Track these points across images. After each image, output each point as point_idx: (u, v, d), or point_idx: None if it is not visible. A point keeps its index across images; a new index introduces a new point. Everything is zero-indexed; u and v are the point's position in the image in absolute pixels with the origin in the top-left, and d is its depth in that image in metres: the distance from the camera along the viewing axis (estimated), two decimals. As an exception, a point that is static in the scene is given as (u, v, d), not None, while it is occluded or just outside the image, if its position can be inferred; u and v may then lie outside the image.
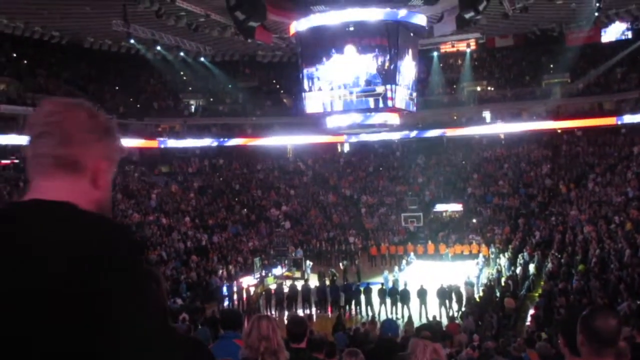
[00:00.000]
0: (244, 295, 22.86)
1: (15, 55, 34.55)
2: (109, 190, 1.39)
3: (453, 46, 37.85)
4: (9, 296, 1.08)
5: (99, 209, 1.29)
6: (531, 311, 18.73)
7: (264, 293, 22.63)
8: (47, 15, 28.33)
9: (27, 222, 1.16)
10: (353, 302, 21.45)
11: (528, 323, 17.59)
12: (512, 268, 23.90)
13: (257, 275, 25.92)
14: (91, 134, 1.32)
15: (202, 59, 37.67)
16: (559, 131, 36.89)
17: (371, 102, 27.42)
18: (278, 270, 27.92)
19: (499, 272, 24.01)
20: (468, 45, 38.00)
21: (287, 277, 26.47)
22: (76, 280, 1.09)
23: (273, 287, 23.58)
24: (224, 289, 23.37)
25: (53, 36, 31.88)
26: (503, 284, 21.93)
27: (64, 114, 1.31)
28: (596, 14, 29.26)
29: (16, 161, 30.48)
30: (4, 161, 29.82)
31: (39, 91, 33.62)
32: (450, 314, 20.09)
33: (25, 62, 35.14)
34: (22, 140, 28.69)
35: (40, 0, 26.15)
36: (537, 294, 20.04)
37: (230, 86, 40.72)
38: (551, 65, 38.16)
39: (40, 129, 1.28)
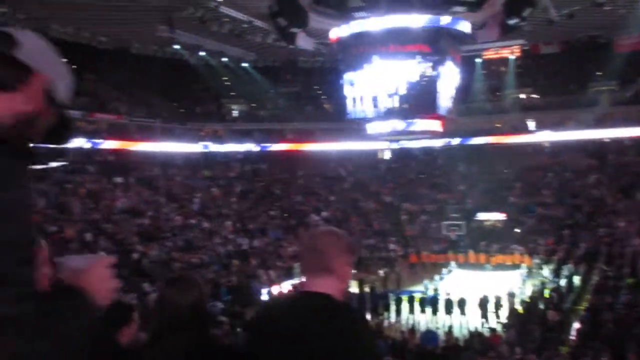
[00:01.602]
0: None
1: (65, 60, 35.47)
2: (348, 282, 2.16)
3: (496, 53, 37.35)
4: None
5: (342, 295, 2.05)
6: (576, 325, 18.26)
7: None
8: (96, 22, 29.08)
9: (307, 304, 2.00)
10: (393, 310, 21.29)
11: (572, 337, 17.15)
12: (556, 280, 23.37)
13: (298, 280, 25.94)
14: (339, 250, 2.08)
15: (244, 64, 38.09)
16: (606, 140, 35.94)
17: (412, 109, 27.26)
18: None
19: (543, 283, 23.50)
20: (512, 52, 37.42)
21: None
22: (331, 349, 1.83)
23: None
24: (264, 293, 23.47)
25: (101, 42, 32.68)
26: (547, 295, 21.45)
27: (322, 238, 2.13)
28: (645, 20, 28.48)
29: (65, 164, 31.25)
30: (53, 164, 30.58)
31: (86, 95, 34.51)
32: (492, 325, 19.74)
33: (74, 66, 36.06)
34: (70, 143, 29.36)
35: (90, 7, 26.85)
36: (582, 308, 19.52)
37: (271, 91, 41.04)
38: (598, 73, 37.25)
39: (309, 247, 2.10)
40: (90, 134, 33.11)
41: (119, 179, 31.95)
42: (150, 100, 38.67)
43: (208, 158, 38.59)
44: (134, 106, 37.00)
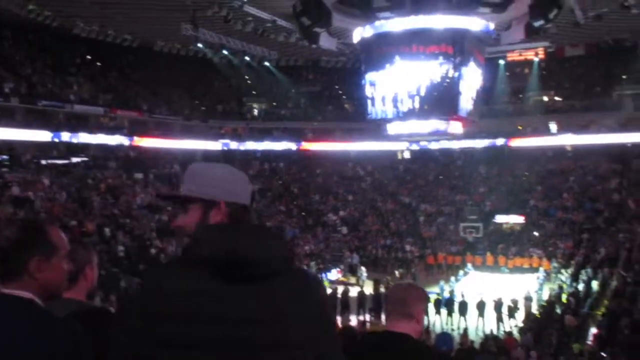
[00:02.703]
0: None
1: (89, 57, 35.98)
2: (423, 324, 2.68)
3: (520, 55, 37.03)
4: None
5: (419, 335, 2.60)
6: (593, 330, 18.09)
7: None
8: (121, 20, 29.42)
9: (394, 344, 2.49)
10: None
11: (589, 342, 17.00)
12: (574, 284, 23.15)
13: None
14: (419, 300, 2.65)
15: (266, 63, 38.25)
16: (629, 145, 35.44)
17: (433, 110, 27.17)
18: (333, 275, 27.97)
19: (560, 287, 23.28)
20: (536, 54, 37.07)
21: (342, 283, 26.48)
22: None
23: (328, 291, 23.60)
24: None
25: (125, 39, 33.06)
26: (564, 300, 21.26)
27: (405, 291, 2.69)
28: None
29: (86, 159, 31.70)
30: (74, 159, 31.07)
31: (110, 92, 34.93)
32: (508, 328, 19.63)
33: (99, 64, 36.54)
34: (92, 139, 29.70)
35: (115, 5, 27.19)
36: (600, 313, 19.32)
37: (292, 91, 41.15)
38: (623, 77, 36.73)
39: (394, 297, 2.67)
40: (112, 130, 33.52)
41: (139, 175, 32.29)
42: (172, 98, 39.01)
43: (227, 156, 38.84)
44: (156, 103, 37.35)
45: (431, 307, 20.73)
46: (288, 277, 1.56)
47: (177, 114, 37.94)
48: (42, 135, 29.63)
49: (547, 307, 20.74)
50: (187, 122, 38.20)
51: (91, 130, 32.26)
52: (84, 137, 31.46)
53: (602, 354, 13.10)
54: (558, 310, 20.27)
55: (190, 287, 1.46)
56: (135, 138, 34.08)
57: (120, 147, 33.84)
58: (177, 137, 36.54)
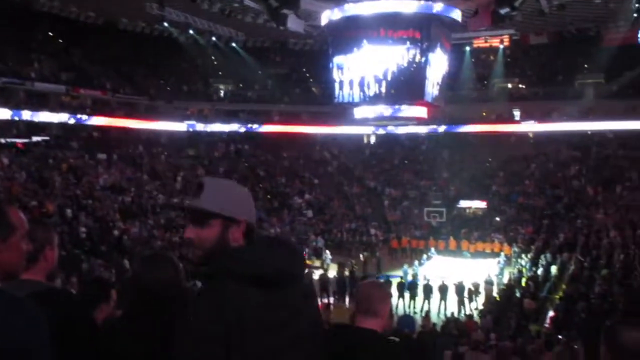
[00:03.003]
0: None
1: (51, 34, 35.05)
2: (387, 319, 2.81)
3: (486, 41, 37.43)
4: None
5: (383, 329, 2.77)
6: (550, 313, 18.58)
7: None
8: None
9: (361, 339, 2.65)
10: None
11: (546, 325, 17.46)
12: (534, 269, 23.68)
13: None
14: (383, 300, 2.80)
15: (233, 44, 37.84)
16: (590, 133, 36.26)
17: (400, 95, 27.30)
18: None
19: (520, 272, 23.80)
20: (501, 41, 37.51)
21: (306, 266, 26.52)
22: None
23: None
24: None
25: (89, 16, 32.29)
26: (524, 284, 21.75)
27: (371, 291, 2.82)
28: (635, 14, 28.64)
29: (46, 138, 31.01)
30: (35, 138, 30.36)
31: (72, 70, 34.13)
32: (468, 311, 20.02)
33: (61, 41, 35.62)
34: (53, 118, 29.00)
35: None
36: (557, 297, 19.85)
37: (260, 72, 40.81)
38: (586, 65, 37.42)
39: (361, 299, 2.79)
40: (74, 110, 32.82)
41: (102, 156, 31.75)
42: (137, 78, 38.33)
43: (193, 137, 38.44)
44: (119, 83, 36.65)
45: (394, 291, 20.97)
46: (300, 282, 1.91)
47: (141, 94, 37.29)
48: (2, 113, 28.85)
49: (507, 291, 21.18)
50: (152, 102, 37.60)
51: (53, 108, 31.53)
52: (45, 116, 30.74)
53: (559, 336, 13.44)
54: (517, 294, 20.73)
55: (252, 300, 1.72)
56: (99, 118, 33.42)
57: (82, 126, 33.18)
58: (142, 118, 35.97)
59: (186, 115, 39.03)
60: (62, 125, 32.19)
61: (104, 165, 30.83)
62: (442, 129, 38.25)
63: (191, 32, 34.80)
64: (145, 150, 35.01)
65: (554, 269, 22.69)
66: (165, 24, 32.74)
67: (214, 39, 36.53)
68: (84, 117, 32.66)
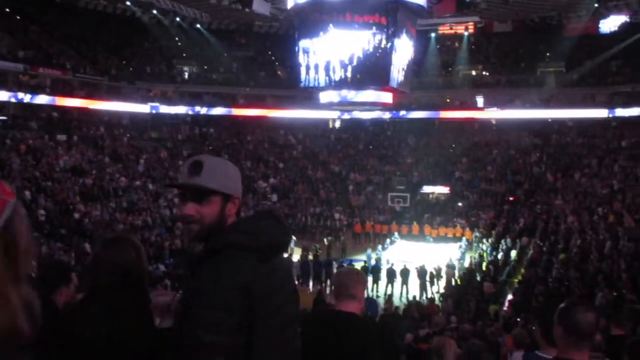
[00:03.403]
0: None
1: (8, 10, 33.97)
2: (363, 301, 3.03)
3: (451, 28, 37.72)
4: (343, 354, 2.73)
5: (361, 311, 2.97)
6: (509, 297, 19.00)
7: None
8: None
9: (343, 321, 2.84)
10: (335, 278, 21.57)
11: (505, 308, 17.84)
12: (494, 253, 24.15)
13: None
14: (359, 282, 3.03)
15: (198, 25, 37.29)
16: (550, 120, 36.98)
17: (365, 80, 27.36)
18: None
19: (481, 256, 24.26)
20: (466, 29, 37.87)
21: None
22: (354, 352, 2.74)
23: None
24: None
25: (48, -7, 31.42)
26: (484, 268, 22.17)
27: (347, 276, 3.11)
28: (596, 5, 29.21)
29: (4, 118, 30.18)
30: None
31: (31, 48, 33.17)
32: (430, 295, 20.33)
33: (19, 17, 34.58)
34: (11, 97, 28.15)
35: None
36: (516, 280, 20.30)
37: (225, 55, 40.34)
38: (547, 54, 38.04)
39: (338, 285, 3.07)
40: (33, 89, 31.97)
41: (62, 137, 31.06)
42: (98, 57, 37.47)
43: (156, 119, 37.88)
44: (80, 62, 35.79)
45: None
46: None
47: (103, 74, 36.48)
48: (-44, 92, 27.99)
49: (468, 275, 21.55)
50: (114, 83, 36.84)
51: (10, 88, 30.66)
52: (2, 95, 29.89)
53: (517, 319, 13.76)
54: (478, 278, 21.12)
55: (260, 268, 1.84)
56: (58, 98, 32.62)
57: (41, 106, 32.37)
58: (103, 99, 35.25)
59: (149, 97, 38.42)
60: (20, 105, 31.35)
61: (64, 146, 30.18)
62: (406, 114, 38.50)
63: (155, 12, 34.14)
64: (106, 132, 34.38)
65: (513, 254, 23.19)
66: (128, 3, 32.08)
67: (178, 19, 35.93)
68: (43, 96, 31.84)
